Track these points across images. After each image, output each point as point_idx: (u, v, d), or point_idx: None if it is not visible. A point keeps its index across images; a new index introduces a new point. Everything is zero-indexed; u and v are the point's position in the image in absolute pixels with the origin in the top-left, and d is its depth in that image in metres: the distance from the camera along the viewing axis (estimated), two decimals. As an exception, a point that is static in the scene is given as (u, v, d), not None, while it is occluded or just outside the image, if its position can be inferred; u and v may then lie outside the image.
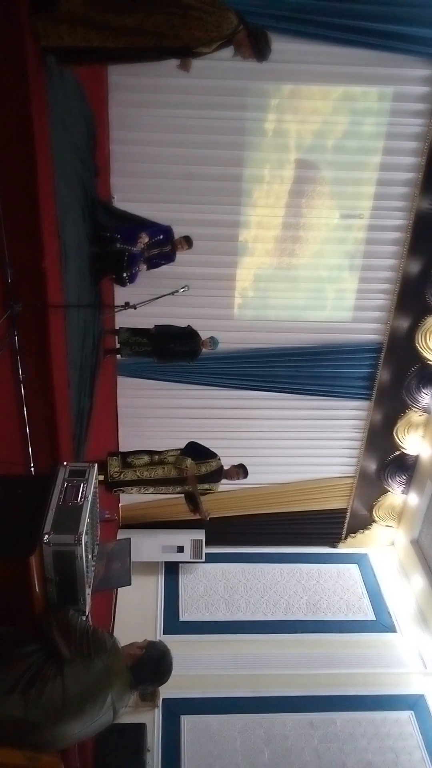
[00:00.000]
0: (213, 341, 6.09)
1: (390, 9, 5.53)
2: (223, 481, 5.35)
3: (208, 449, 5.29)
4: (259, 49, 3.30)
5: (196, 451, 5.23)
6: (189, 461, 5.06)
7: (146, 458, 5.15)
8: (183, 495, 5.29)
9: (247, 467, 5.47)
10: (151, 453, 5.22)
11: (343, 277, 7.05)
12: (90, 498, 2.60)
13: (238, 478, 5.33)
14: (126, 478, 5.05)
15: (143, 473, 5.07)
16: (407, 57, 5.78)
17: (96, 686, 2.32)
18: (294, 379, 7.48)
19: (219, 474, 5.23)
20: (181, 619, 7.49)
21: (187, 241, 5.75)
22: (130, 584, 6.07)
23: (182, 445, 5.36)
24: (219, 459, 5.27)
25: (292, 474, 8.22)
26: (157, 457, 5.18)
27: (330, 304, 7.22)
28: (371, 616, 7.81)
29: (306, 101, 6.08)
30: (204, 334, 6.10)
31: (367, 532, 8.63)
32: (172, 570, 8.02)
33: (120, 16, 3.08)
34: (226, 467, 5.32)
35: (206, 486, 5.18)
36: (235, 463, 5.38)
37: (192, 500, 5.20)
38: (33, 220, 3.38)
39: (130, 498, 7.42)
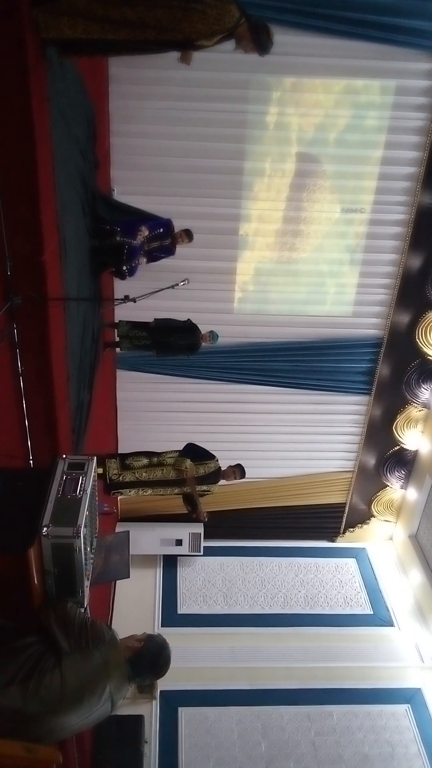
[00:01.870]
0: (213, 335, 6.08)
1: (393, 1, 5.49)
2: (221, 481, 5.35)
3: (206, 450, 5.28)
4: (260, 43, 3.29)
5: (194, 452, 5.23)
6: (188, 462, 5.07)
7: (145, 460, 5.15)
8: (181, 496, 5.30)
9: (247, 461, 5.47)
10: (149, 455, 5.22)
11: (343, 272, 7.04)
12: (89, 491, 2.60)
13: (235, 479, 5.33)
14: (125, 479, 5.06)
15: (142, 475, 5.08)
16: (410, 50, 5.75)
17: (94, 678, 2.33)
18: (294, 374, 7.48)
19: (217, 475, 5.24)
20: (180, 612, 7.52)
21: (188, 234, 5.73)
22: (128, 577, 6.08)
23: (181, 444, 5.36)
24: (217, 460, 5.27)
25: (291, 468, 8.23)
26: (156, 458, 5.18)
27: (330, 299, 7.20)
28: (369, 610, 7.84)
29: (308, 94, 6.05)
30: (204, 328, 6.10)
31: (365, 526, 8.65)
32: (170, 563, 8.04)
33: (121, 8, 3.06)
34: (223, 467, 5.32)
35: (204, 487, 5.18)
36: (233, 463, 5.37)
37: (190, 502, 5.20)
38: (33, 212, 3.37)
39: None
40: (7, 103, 3.07)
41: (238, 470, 5.33)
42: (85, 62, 4.43)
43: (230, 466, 5.35)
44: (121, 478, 5.05)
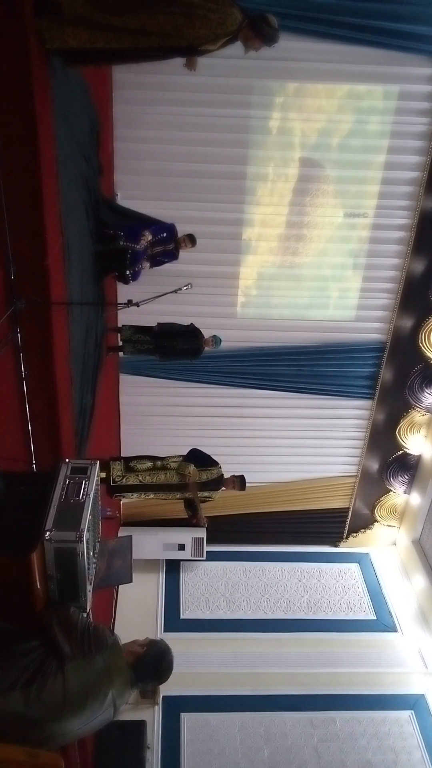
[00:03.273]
0: (216, 340, 6.08)
1: (395, 7, 5.52)
2: (222, 489, 5.36)
3: (210, 457, 5.29)
4: (264, 35, 3.29)
5: (198, 458, 5.24)
6: (192, 467, 5.08)
7: (149, 463, 5.16)
8: (183, 501, 5.30)
9: (250, 465, 5.46)
10: (153, 458, 5.23)
11: (346, 276, 7.04)
12: (92, 495, 2.60)
13: (234, 488, 5.32)
14: (128, 482, 5.07)
15: (145, 478, 5.08)
16: (413, 55, 5.77)
17: (97, 683, 2.32)
18: (296, 378, 7.47)
19: (219, 482, 5.24)
20: (182, 617, 7.50)
21: (191, 239, 5.74)
22: (131, 582, 6.09)
23: (183, 448, 5.36)
24: (220, 467, 5.28)
25: (294, 473, 8.22)
26: (159, 462, 5.19)
27: (333, 303, 7.21)
28: (372, 616, 7.81)
29: (311, 99, 6.07)
30: (207, 333, 6.10)
31: (368, 531, 8.63)
32: (173, 568, 8.03)
33: (123, 17, 3.07)
34: (226, 475, 5.33)
35: (206, 494, 5.19)
36: (236, 473, 5.37)
37: (191, 507, 5.22)
38: (36, 217, 3.38)
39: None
40: (12, 108, 3.09)
41: (239, 481, 5.32)
42: (89, 68, 4.44)
43: (232, 475, 5.35)
44: (124, 480, 5.06)
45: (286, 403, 7.68)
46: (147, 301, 4.90)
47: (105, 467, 5.03)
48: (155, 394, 7.51)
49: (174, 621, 7.40)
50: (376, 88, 6.04)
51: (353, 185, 6.50)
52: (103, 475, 4.96)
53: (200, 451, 5.34)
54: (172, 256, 5.80)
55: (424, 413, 7.56)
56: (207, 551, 7.86)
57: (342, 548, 8.71)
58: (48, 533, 2.37)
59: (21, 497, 2.60)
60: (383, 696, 6.83)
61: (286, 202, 6.56)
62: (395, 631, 7.61)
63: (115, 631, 2.53)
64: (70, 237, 4.05)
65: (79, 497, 2.55)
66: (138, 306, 4.80)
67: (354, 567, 8.47)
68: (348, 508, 8.49)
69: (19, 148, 3.19)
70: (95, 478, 2.70)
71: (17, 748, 1.94)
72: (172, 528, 7.85)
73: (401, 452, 7.89)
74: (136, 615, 7.24)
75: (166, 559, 7.99)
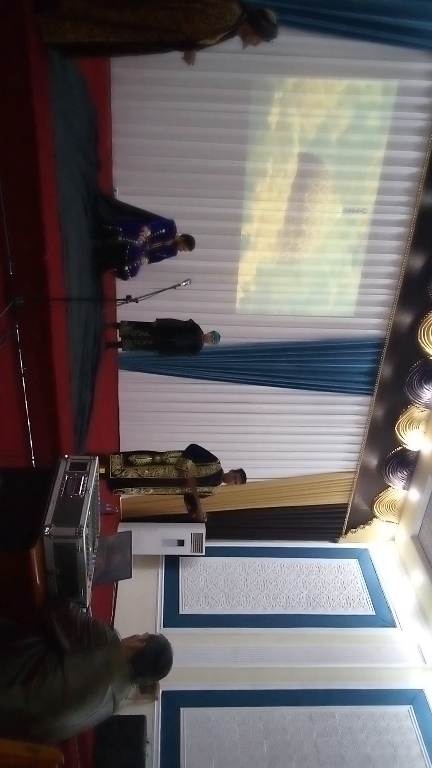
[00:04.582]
0: (214, 336, 6.08)
1: (395, 2, 5.49)
2: (222, 484, 5.36)
3: (208, 452, 5.30)
4: (263, 31, 3.29)
5: (197, 454, 5.25)
6: (190, 463, 5.09)
7: (148, 458, 5.18)
8: (183, 496, 5.32)
9: (249, 461, 5.46)
10: (152, 453, 5.25)
11: (345, 272, 7.03)
12: (91, 491, 2.60)
13: (235, 483, 5.33)
14: (127, 476, 5.08)
15: (144, 472, 5.09)
16: (412, 50, 5.74)
17: (96, 678, 2.33)
18: (295, 374, 7.47)
19: (218, 477, 5.26)
20: (181, 612, 7.51)
21: (188, 242, 5.68)
22: (130, 577, 6.10)
23: (183, 444, 5.37)
24: (219, 463, 5.29)
25: (293, 468, 8.23)
26: (158, 457, 5.21)
27: (332, 299, 7.20)
28: (371, 611, 7.83)
29: (310, 94, 6.05)
30: (206, 329, 6.10)
31: (367, 527, 8.64)
32: (172, 563, 8.04)
33: (122, 12, 3.07)
34: (225, 470, 5.33)
35: (205, 489, 5.20)
36: (235, 468, 5.38)
37: (191, 502, 5.23)
38: (35, 213, 3.38)
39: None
40: (10, 103, 3.08)
41: (239, 475, 5.33)
42: (87, 63, 4.43)
43: (232, 471, 5.36)
44: (123, 474, 5.07)
45: (285, 399, 7.68)
46: (146, 296, 4.89)
47: (104, 462, 5.04)
48: (154, 390, 7.51)
49: (173, 616, 7.42)
50: (375, 83, 6.01)
51: (352, 181, 6.49)
52: (103, 470, 4.97)
53: (199, 446, 5.35)
54: (171, 252, 5.79)
55: (423, 409, 7.57)
56: (206, 547, 7.88)
57: (341, 544, 8.72)
58: (47, 529, 2.38)
59: (20, 493, 2.60)
60: (382, 691, 6.86)
61: (285, 197, 6.54)
62: (394, 626, 7.63)
63: (115, 626, 2.53)
64: (69, 233, 4.04)
65: (78, 493, 2.56)
66: (137, 302, 4.80)
67: (353, 562, 8.49)
68: (347, 504, 8.50)
69: (17, 144, 3.18)
70: (94, 473, 2.70)
71: (17, 743, 1.94)
72: (172, 524, 7.86)
73: (400, 448, 7.90)
74: (135, 610, 7.25)
75: (165, 555, 8.00)
